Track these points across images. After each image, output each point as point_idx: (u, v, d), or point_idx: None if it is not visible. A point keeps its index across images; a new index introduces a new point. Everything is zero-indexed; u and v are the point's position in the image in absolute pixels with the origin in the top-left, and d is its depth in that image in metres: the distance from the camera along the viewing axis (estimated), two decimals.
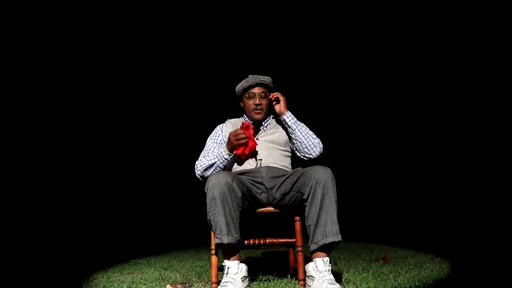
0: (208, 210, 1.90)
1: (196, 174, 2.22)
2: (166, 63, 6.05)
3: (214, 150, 2.23)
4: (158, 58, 5.98)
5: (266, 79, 2.25)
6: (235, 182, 1.90)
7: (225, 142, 2.23)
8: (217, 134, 2.31)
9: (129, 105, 6.01)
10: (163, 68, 6.07)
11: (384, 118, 6.15)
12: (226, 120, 2.39)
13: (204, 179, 2.15)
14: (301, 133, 2.18)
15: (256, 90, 2.23)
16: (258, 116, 2.24)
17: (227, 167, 2.22)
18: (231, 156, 2.13)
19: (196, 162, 2.23)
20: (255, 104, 2.22)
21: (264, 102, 2.24)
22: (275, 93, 2.24)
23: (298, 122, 2.22)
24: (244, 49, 5.74)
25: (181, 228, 5.59)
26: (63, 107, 5.41)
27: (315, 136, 2.23)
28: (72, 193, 5.35)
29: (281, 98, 2.22)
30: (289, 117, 2.20)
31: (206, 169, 2.17)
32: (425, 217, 5.29)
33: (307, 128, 2.24)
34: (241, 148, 2.09)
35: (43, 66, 5.16)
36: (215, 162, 2.15)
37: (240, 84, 2.27)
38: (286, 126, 2.21)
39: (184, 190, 5.90)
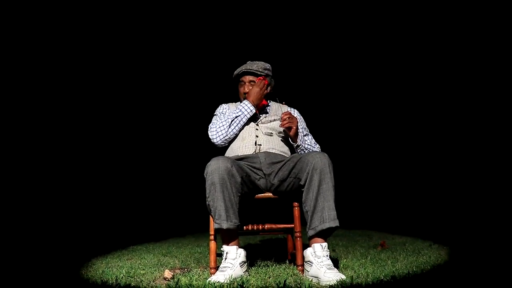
0: (207, 195, 1.89)
1: (213, 135, 2.21)
2: (160, 52, 6.01)
3: (226, 113, 2.30)
4: (151, 46, 5.94)
5: (255, 66, 2.28)
6: (234, 167, 1.90)
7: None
8: (223, 107, 2.37)
9: (125, 93, 5.98)
10: (157, 57, 6.02)
11: (383, 106, 6.13)
12: (229, 103, 2.43)
13: (222, 140, 2.21)
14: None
15: (245, 78, 2.30)
16: None
17: (227, 153, 2.22)
18: (255, 109, 2.22)
19: (210, 127, 2.25)
20: (244, 93, 2.29)
21: None
22: (285, 117, 2.13)
23: (307, 146, 2.24)
24: (242, 45, 5.69)
25: (180, 216, 5.60)
26: (60, 95, 5.38)
27: (318, 147, 2.32)
28: (72, 180, 5.35)
29: (294, 127, 2.14)
30: (300, 146, 2.21)
31: (229, 125, 2.19)
32: (423, 205, 5.31)
33: (314, 147, 2.29)
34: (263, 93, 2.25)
35: (43, 66, 5.13)
36: (239, 115, 2.20)
37: (236, 71, 2.35)
38: (295, 148, 2.24)
39: (182, 178, 5.92)
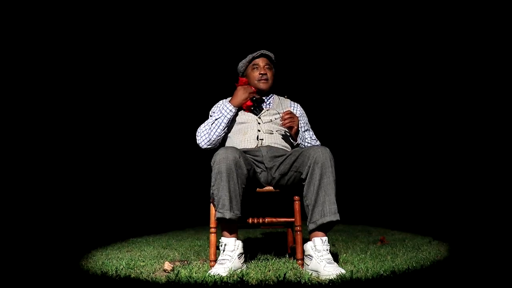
0: (212, 184, 1.88)
1: (198, 140, 2.21)
2: (158, 48, 5.99)
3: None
4: (150, 44, 5.93)
5: (270, 53, 2.29)
6: (242, 158, 1.89)
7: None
8: (218, 108, 2.32)
9: (125, 89, 5.97)
10: (155, 53, 6.01)
11: (383, 103, 6.12)
12: (229, 98, 2.38)
13: (207, 144, 2.19)
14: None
15: (261, 61, 2.27)
16: (264, 86, 2.25)
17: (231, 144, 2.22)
18: (236, 109, 2.19)
19: (198, 130, 2.23)
20: (260, 74, 2.24)
21: (269, 73, 2.27)
22: (286, 116, 2.11)
23: (306, 144, 2.23)
24: (241, 40, 5.67)
25: (179, 209, 5.61)
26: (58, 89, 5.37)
27: (318, 144, 2.31)
28: (73, 173, 5.35)
29: (295, 126, 2.13)
30: (300, 145, 2.21)
31: (210, 129, 2.18)
32: (423, 201, 5.31)
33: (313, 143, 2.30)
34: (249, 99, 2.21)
35: (43, 66, 5.11)
36: (219, 117, 2.18)
37: (243, 60, 2.31)
38: (294, 146, 2.24)
39: (183, 171, 5.92)
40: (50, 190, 4.99)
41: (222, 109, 2.21)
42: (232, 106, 2.19)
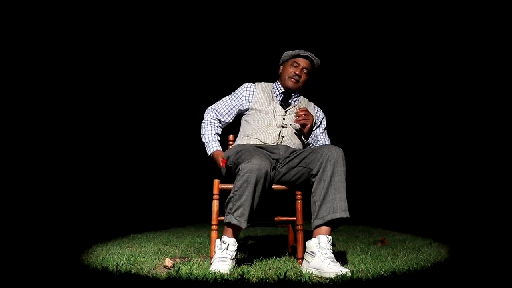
0: (236, 188, 1.84)
1: (205, 118, 2.30)
2: (159, 49, 6.01)
3: (225, 106, 2.29)
4: (151, 45, 5.93)
5: (316, 59, 2.25)
6: (272, 170, 1.89)
7: (248, 102, 2.25)
8: (240, 93, 2.29)
9: (127, 86, 5.97)
10: (156, 53, 6.02)
11: (385, 106, 6.12)
12: (256, 82, 2.33)
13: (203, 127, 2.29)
14: None
15: (303, 62, 2.24)
16: (291, 85, 2.23)
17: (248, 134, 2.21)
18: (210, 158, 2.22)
19: (210, 108, 2.30)
20: (295, 73, 2.22)
21: (303, 76, 2.24)
22: (301, 113, 2.10)
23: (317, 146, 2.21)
24: (242, 44, 5.67)
25: (180, 206, 5.62)
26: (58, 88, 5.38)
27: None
28: (74, 168, 5.36)
29: (308, 124, 2.11)
30: (311, 145, 2.21)
31: (202, 134, 2.27)
32: (424, 203, 5.31)
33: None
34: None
35: (43, 66, 5.12)
36: (206, 142, 2.24)
37: (291, 51, 2.27)
38: (305, 145, 2.24)
39: (184, 169, 5.93)
40: (51, 186, 5.00)
41: (208, 144, 2.23)
42: (210, 155, 2.21)
